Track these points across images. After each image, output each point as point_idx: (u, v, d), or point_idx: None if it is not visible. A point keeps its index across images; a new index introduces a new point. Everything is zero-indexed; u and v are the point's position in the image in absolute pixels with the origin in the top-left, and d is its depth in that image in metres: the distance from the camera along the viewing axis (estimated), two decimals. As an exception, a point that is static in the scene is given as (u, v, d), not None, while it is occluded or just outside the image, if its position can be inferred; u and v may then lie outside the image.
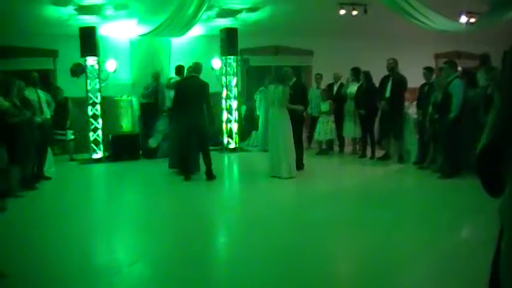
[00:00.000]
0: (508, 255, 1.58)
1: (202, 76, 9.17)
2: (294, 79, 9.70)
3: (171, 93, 10.57)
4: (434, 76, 9.87)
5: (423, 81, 9.82)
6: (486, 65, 9.25)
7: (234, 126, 12.86)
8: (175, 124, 9.11)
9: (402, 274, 4.48)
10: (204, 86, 8.92)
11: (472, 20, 12.64)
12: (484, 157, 1.69)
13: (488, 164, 1.70)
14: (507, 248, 1.58)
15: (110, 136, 11.65)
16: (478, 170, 1.72)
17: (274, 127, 9.00)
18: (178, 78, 10.62)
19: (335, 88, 12.07)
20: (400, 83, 10.11)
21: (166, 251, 5.21)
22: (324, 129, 11.68)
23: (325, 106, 11.66)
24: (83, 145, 11.64)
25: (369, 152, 10.95)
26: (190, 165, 9.01)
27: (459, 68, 9.53)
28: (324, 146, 12.03)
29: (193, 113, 8.70)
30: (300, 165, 9.52)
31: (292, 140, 8.98)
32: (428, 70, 9.78)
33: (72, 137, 11.38)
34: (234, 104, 12.91)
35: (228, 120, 12.80)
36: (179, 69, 11.17)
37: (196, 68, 9.13)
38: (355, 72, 11.34)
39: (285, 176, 8.79)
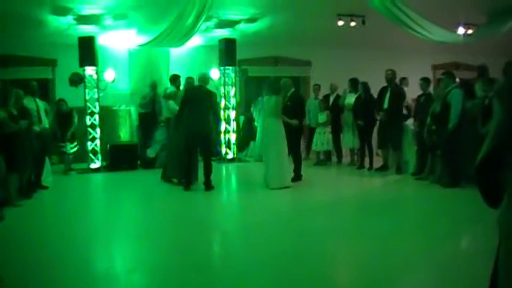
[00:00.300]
0: (505, 264, 1.58)
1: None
2: (292, 90, 9.72)
3: (168, 104, 10.53)
4: (431, 87, 9.91)
5: (420, 92, 9.86)
6: (484, 76, 9.29)
7: (232, 137, 12.88)
8: (181, 133, 9.05)
9: (400, 282, 4.47)
10: (212, 95, 8.98)
11: (470, 31, 12.71)
12: (484, 167, 1.70)
13: (487, 174, 1.70)
14: (505, 257, 1.58)
15: (108, 146, 11.66)
16: (477, 179, 1.73)
17: (267, 138, 9.02)
18: (174, 88, 10.53)
19: (331, 99, 12.09)
20: (398, 94, 10.13)
21: (164, 259, 5.19)
22: (321, 140, 11.70)
23: (322, 117, 11.67)
24: (81, 155, 11.61)
25: (366, 163, 10.95)
26: (192, 175, 9.02)
27: (457, 79, 9.56)
28: (321, 157, 12.03)
29: (200, 123, 8.73)
30: (298, 176, 9.53)
31: (286, 150, 8.99)
32: (425, 81, 9.81)
33: (72, 150, 11.10)
34: (232, 114, 12.94)
35: (226, 131, 12.81)
36: (174, 79, 10.96)
37: (204, 78, 9.14)
38: (353, 83, 11.37)
39: (277, 186, 8.77)
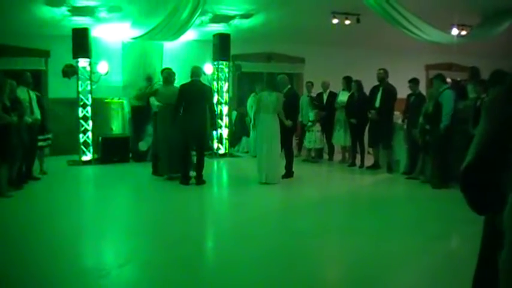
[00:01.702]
0: (508, 264, 1.59)
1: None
2: (288, 86, 9.79)
3: (151, 100, 10.28)
4: (423, 86, 9.97)
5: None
6: (475, 78, 9.35)
7: (224, 132, 12.88)
8: (177, 129, 8.99)
9: (390, 282, 4.50)
10: (208, 89, 9.08)
11: (464, 32, 12.77)
12: (469, 175, 1.72)
13: (473, 181, 1.72)
14: (508, 258, 1.59)
15: (100, 138, 11.62)
16: (462, 187, 1.75)
17: (265, 133, 9.02)
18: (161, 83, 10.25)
19: (325, 97, 12.07)
20: (390, 93, 10.16)
21: (155, 254, 5.20)
22: (309, 137, 11.73)
23: (311, 115, 11.68)
24: (72, 146, 11.58)
25: (358, 161, 10.98)
26: (189, 170, 9.01)
27: (448, 80, 9.61)
28: (312, 154, 12.05)
29: (196, 119, 8.76)
30: (289, 173, 9.57)
31: (280, 146, 9.06)
32: (413, 82, 9.85)
33: (43, 144, 9.71)
34: (225, 109, 12.94)
35: (219, 126, 12.80)
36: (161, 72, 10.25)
37: (197, 71, 9.12)
38: (347, 81, 11.40)
39: (272, 181, 8.88)
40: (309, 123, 11.64)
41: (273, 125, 8.94)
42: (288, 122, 9.21)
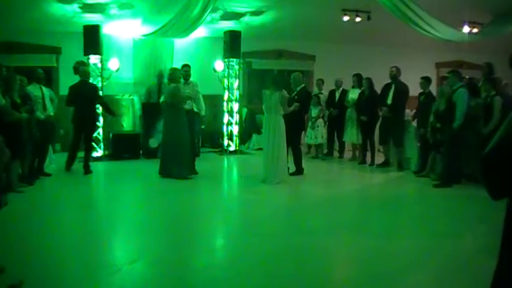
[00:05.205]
0: None
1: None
2: (302, 85, 9.81)
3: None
4: (432, 86, 9.92)
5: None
6: (487, 75, 9.29)
7: (235, 129, 12.88)
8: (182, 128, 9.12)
9: (400, 280, 4.48)
10: (96, 89, 10.12)
11: (475, 30, 12.70)
12: (495, 156, 1.71)
13: (493, 165, 1.71)
14: None
15: (111, 135, 11.67)
16: (482, 169, 1.74)
17: (268, 133, 8.92)
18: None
19: (337, 94, 12.03)
20: (402, 91, 10.14)
21: (165, 250, 5.23)
22: (310, 134, 11.73)
23: (314, 111, 11.69)
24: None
25: (368, 159, 10.97)
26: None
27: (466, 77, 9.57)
28: (320, 151, 12.03)
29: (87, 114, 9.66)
30: (299, 170, 9.56)
31: (285, 146, 8.95)
32: (426, 80, 9.81)
33: None
34: (236, 106, 12.94)
35: (229, 123, 12.82)
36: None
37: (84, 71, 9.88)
38: (358, 78, 11.37)
39: (273, 182, 8.75)
40: (312, 119, 11.64)
41: (276, 125, 8.81)
42: (296, 104, 9.16)
